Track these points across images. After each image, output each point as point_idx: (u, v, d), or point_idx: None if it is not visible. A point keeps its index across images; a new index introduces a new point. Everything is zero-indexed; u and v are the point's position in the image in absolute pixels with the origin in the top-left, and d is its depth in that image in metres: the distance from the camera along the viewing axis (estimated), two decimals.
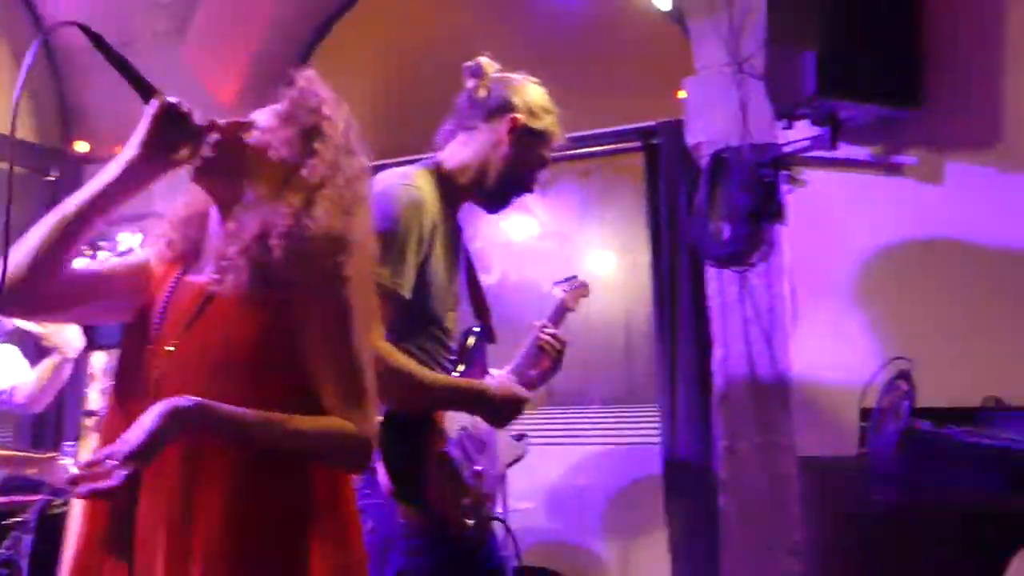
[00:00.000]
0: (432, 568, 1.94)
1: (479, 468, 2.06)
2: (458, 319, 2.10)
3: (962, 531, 2.07)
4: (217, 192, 1.35)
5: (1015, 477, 1.88)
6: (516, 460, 2.39)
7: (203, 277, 1.34)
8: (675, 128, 3.02)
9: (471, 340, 2.12)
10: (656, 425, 3.15)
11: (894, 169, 2.54)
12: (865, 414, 2.22)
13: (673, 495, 3.07)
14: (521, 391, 2.06)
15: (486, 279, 3.51)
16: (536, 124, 2.01)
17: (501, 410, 2.02)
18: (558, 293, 2.49)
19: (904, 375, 2.10)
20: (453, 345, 2.07)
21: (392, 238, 1.83)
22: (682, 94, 2.91)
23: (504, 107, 2.00)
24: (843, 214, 2.59)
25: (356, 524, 1.36)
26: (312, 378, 1.28)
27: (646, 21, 3.14)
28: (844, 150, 2.54)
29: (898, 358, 2.13)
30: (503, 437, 2.26)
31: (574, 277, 2.55)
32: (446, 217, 2.01)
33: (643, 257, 3.19)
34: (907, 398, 2.06)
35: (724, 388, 2.65)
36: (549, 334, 2.28)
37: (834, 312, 2.61)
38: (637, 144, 3.21)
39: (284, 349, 1.27)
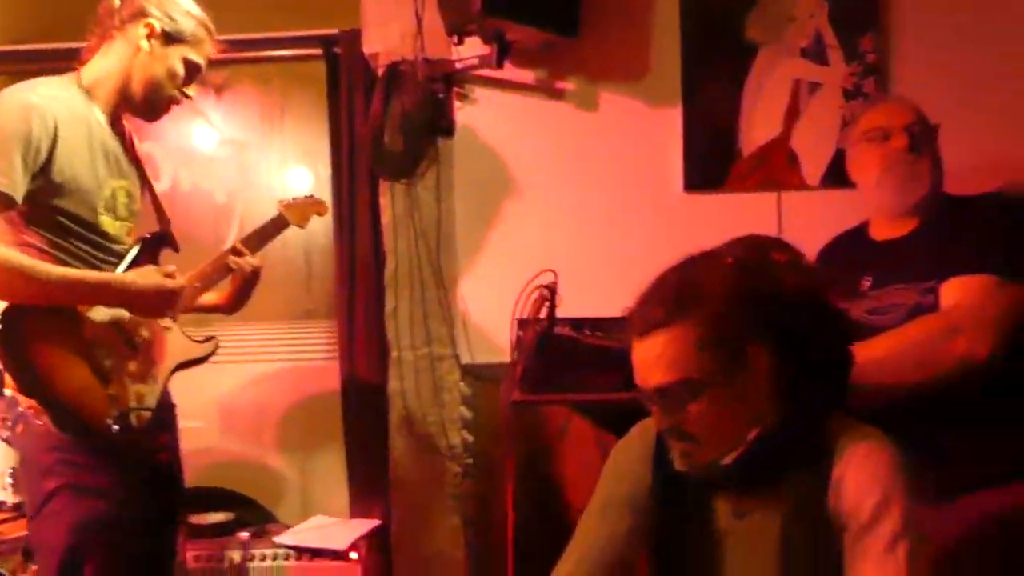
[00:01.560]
0: (79, 463, 1.92)
1: (136, 360, 2.03)
2: (129, 225, 2.10)
3: (596, 423, 2.31)
4: None
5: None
6: (197, 360, 2.29)
7: None
8: (357, 37, 2.95)
9: (137, 246, 2.10)
10: (334, 341, 3.16)
11: (555, 94, 2.69)
12: (520, 324, 2.38)
13: (350, 409, 3.11)
14: (169, 282, 2.03)
15: (156, 185, 3.29)
16: (175, 28, 2.02)
17: (144, 301, 1.98)
18: (280, 208, 2.45)
19: (549, 287, 2.27)
20: (119, 248, 2.05)
21: None
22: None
23: (138, 14, 2.00)
24: (508, 133, 2.71)
25: None
26: None
27: None
28: (511, 72, 2.64)
29: (546, 271, 2.29)
30: (178, 333, 2.22)
31: (310, 196, 2.52)
32: (95, 122, 2.01)
33: (325, 169, 3.13)
34: (550, 307, 2.23)
35: (394, 301, 2.69)
36: (243, 260, 2.27)
37: (496, 227, 2.74)
38: (319, 52, 3.10)
39: None
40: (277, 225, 2.42)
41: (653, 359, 1.40)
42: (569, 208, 2.71)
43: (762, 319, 1.38)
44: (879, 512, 1.33)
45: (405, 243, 2.66)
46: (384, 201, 2.70)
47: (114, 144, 2.08)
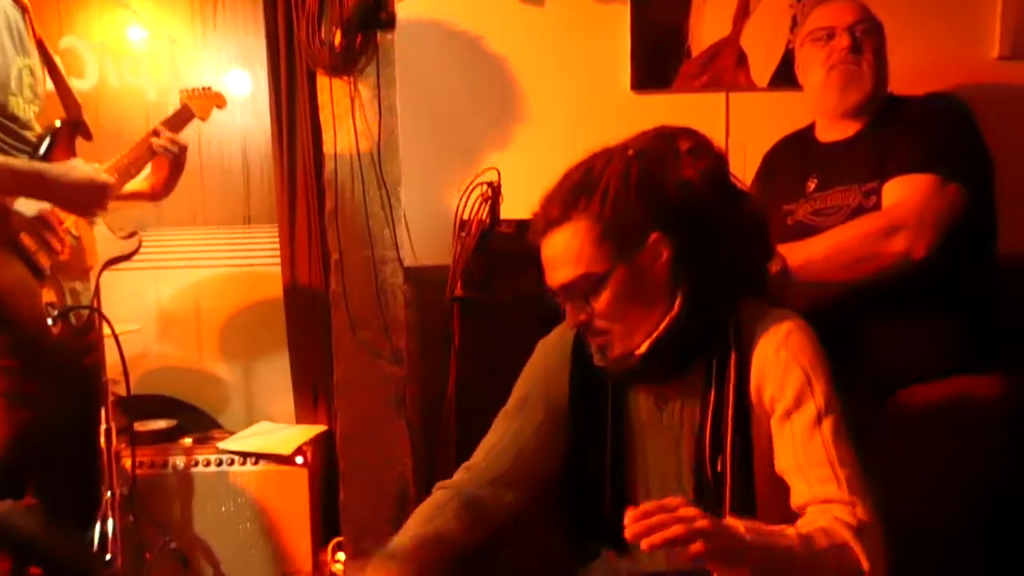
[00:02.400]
0: (9, 368, 1.88)
1: (63, 257, 1.97)
2: (35, 109, 2.00)
3: (537, 319, 2.29)
4: None
5: None
6: (123, 257, 2.25)
7: None
8: None
9: (49, 136, 2.01)
10: (275, 245, 3.09)
11: None
12: (462, 223, 2.34)
13: (293, 314, 3.07)
14: (101, 175, 1.96)
15: (82, 81, 3.13)
16: None
17: (75, 195, 1.90)
18: (183, 98, 2.37)
19: (492, 186, 2.22)
20: (29, 136, 1.96)
21: None
22: None
23: None
24: (452, 26, 2.61)
25: None
26: None
27: None
28: None
29: (489, 169, 2.24)
30: (104, 230, 2.17)
31: (208, 87, 2.44)
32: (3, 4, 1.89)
33: (262, 66, 3.00)
34: (492, 205, 2.19)
35: (335, 202, 2.62)
36: (166, 138, 2.19)
37: (439, 125, 2.67)
38: None
39: None
40: (182, 117, 2.34)
41: (554, 257, 1.41)
42: (514, 106, 2.63)
43: (660, 208, 1.37)
44: (802, 393, 1.35)
45: (345, 142, 2.57)
46: (323, 99, 2.59)
47: (17, 17, 1.95)
